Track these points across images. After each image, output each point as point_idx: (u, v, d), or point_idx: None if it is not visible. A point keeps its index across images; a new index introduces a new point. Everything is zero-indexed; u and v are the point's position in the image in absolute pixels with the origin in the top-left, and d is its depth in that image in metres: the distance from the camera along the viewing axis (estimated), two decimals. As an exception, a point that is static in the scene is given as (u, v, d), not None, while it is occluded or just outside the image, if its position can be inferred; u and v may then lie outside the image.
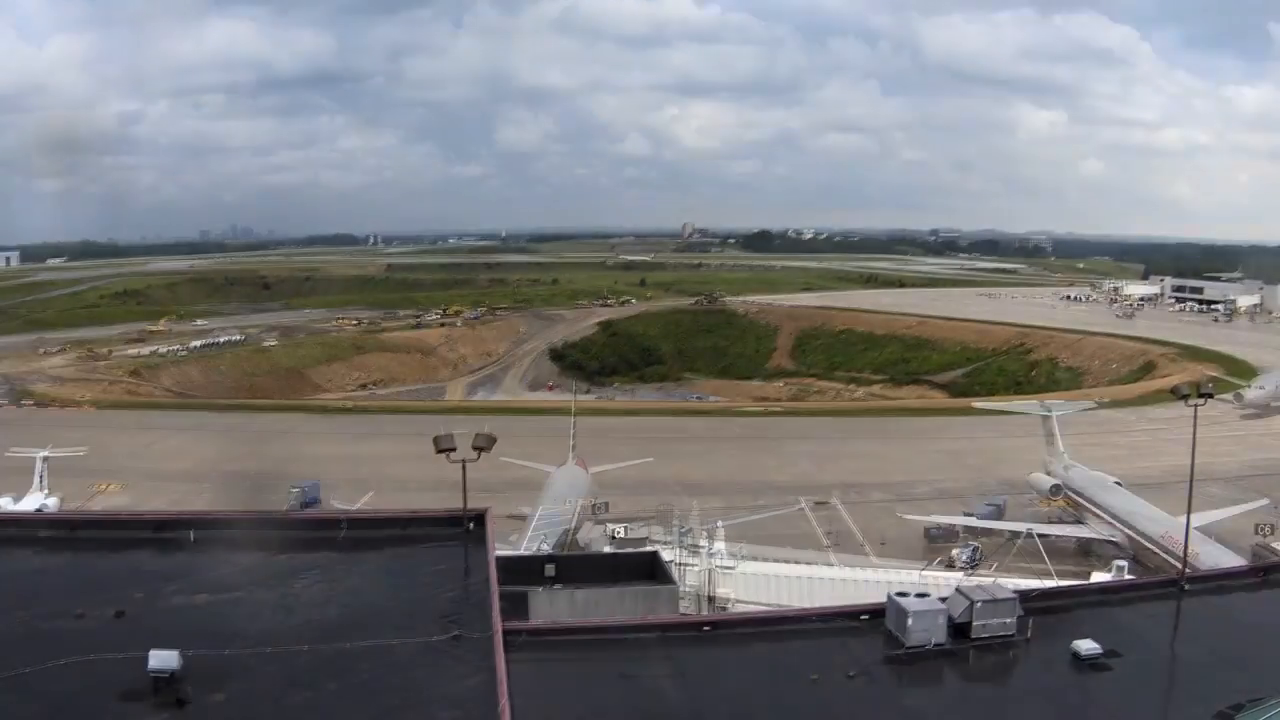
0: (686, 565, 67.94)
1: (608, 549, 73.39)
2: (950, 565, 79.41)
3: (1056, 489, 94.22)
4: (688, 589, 67.31)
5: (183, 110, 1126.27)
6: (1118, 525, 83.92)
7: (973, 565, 79.27)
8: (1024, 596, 38.27)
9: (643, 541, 71.17)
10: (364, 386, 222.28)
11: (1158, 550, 76.31)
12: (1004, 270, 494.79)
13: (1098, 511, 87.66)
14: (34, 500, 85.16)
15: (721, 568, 69.93)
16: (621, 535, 75.20)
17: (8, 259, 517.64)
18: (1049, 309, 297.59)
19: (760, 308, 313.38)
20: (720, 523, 77.99)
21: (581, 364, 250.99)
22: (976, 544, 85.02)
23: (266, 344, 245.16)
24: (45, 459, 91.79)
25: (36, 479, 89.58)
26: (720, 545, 73.06)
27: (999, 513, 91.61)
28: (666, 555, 69.75)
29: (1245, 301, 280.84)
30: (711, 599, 67.61)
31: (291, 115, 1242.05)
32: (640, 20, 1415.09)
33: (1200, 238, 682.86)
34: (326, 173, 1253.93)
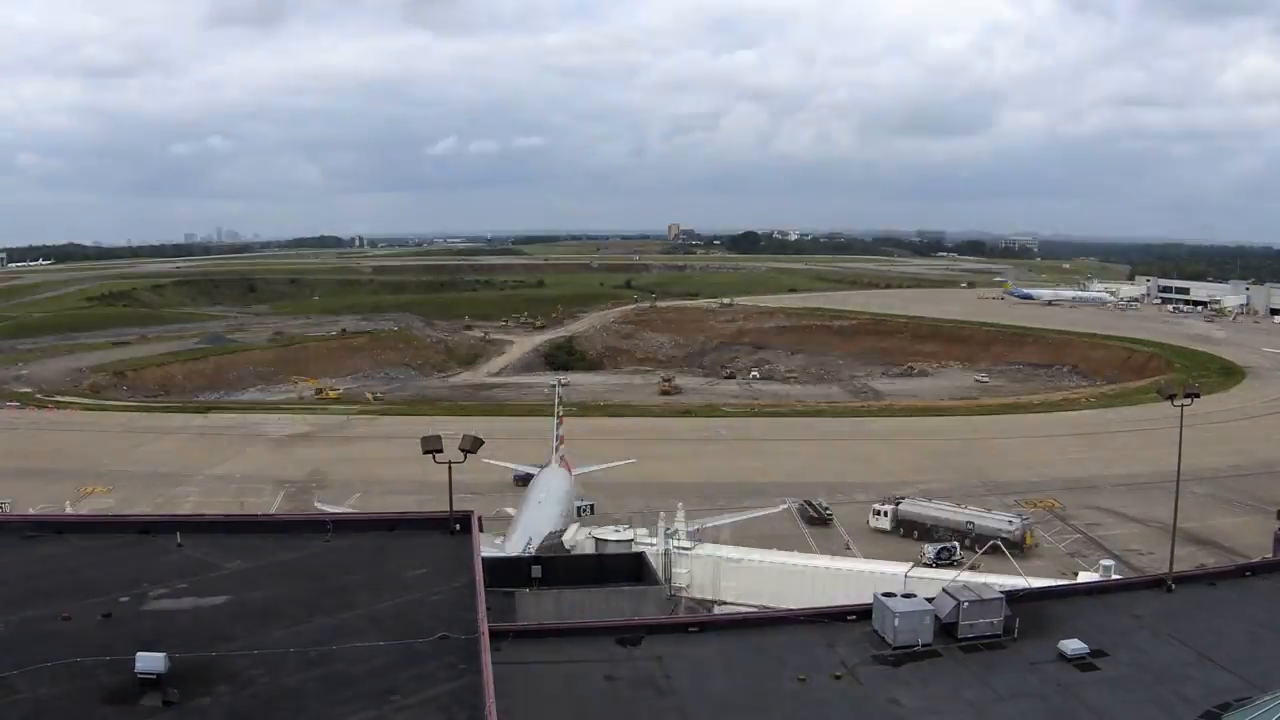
0: (643, 546, 68.33)
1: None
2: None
3: None
4: None
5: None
6: None
7: (950, 563, 79.66)
8: (1011, 596, 38.39)
9: (628, 544, 70.86)
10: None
11: None
12: (989, 271, 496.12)
13: None
14: None
15: (679, 548, 70.27)
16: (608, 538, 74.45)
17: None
18: (1035, 310, 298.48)
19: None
20: (681, 510, 77.88)
21: (569, 365, 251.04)
22: (954, 543, 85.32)
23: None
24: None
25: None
26: (680, 527, 73.16)
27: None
28: (623, 537, 70.23)
29: (1231, 302, 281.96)
30: (668, 581, 67.62)
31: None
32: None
33: (1186, 238, 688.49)
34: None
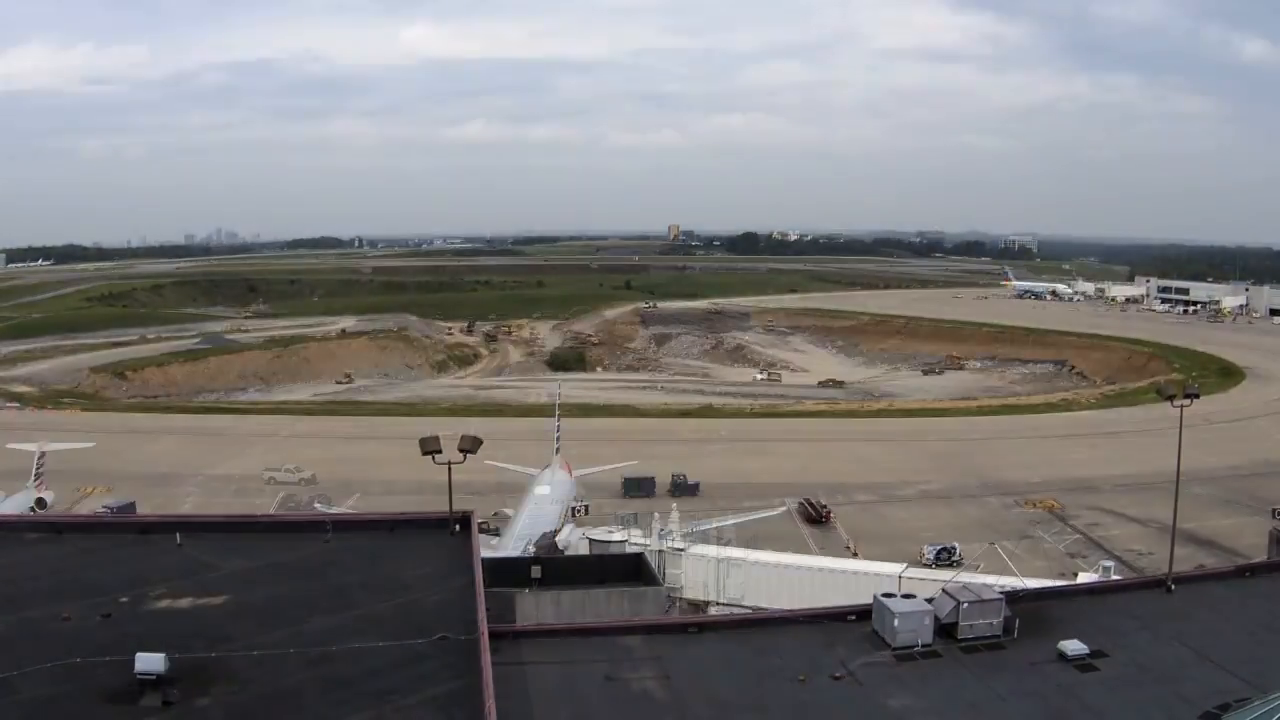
0: (636, 546, 67.43)
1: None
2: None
3: None
4: None
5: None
6: None
7: (951, 564, 79.48)
8: (1010, 597, 38.35)
9: (622, 545, 70.18)
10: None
11: None
12: (988, 272, 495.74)
13: None
14: (26, 496, 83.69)
15: (672, 549, 69.42)
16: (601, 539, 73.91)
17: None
18: (1033, 309, 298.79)
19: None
20: (676, 510, 77.73)
21: (567, 365, 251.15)
22: (954, 543, 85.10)
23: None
24: (42, 454, 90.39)
25: (33, 475, 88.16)
26: (674, 527, 72.61)
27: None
28: (617, 538, 69.65)
29: (1230, 302, 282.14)
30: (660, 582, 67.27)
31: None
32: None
33: (1186, 239, 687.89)
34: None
